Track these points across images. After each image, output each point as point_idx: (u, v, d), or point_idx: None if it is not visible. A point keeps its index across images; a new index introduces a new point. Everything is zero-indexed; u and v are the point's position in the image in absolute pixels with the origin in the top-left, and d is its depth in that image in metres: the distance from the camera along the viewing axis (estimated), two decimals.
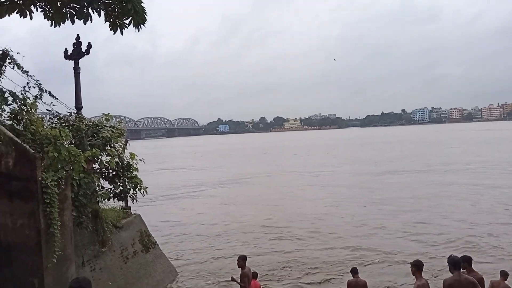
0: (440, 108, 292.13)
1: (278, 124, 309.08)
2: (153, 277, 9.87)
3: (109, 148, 9.71)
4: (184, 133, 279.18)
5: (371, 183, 29.17)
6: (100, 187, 9.68)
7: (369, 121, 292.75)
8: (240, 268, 8.12)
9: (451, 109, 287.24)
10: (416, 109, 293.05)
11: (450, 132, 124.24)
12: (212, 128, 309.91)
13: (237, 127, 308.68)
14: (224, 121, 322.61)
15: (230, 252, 13.44)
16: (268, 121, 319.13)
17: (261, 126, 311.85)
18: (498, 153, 46.30)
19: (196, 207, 23.05)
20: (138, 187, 10.14)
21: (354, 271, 8.27)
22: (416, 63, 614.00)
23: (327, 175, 35.43)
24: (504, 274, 8.03)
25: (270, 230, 16.91)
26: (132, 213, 10.91)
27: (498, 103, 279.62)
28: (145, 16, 6.03)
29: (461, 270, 6.70)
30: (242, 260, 8.12)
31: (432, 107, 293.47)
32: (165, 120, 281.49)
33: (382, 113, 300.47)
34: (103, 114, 10.70)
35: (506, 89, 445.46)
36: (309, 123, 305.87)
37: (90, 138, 9.44)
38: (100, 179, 9.65)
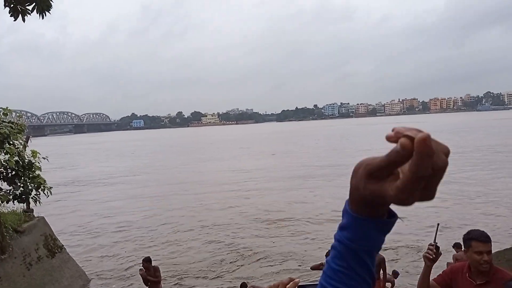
0: (348, 103, 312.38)
1: (196, 119, 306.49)
2: (60, 283, 9.29)
3: (8, 146, 8.93)
4: (94, 129, 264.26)
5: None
6: None
7: (284, 116, 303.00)
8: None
9: (357, 104, 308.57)
10: (327, 104, 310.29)
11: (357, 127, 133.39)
12: (126, 123, 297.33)
13: (152, 122, 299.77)
14: (138, 116, 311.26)
15: (143, 254, 13.02)
16: (186, 116, 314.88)
17: (178, 121, 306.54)
18: None
19: (109, 209, 22.00)
20: (42, 187, 9.47)
21: None
22: (330, 60, 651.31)
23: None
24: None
25: (202, 230, 16.75)
26: (35, 215, 10.13)
27: (399, 99, 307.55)
28: (51, 1, 5.62)
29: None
30: (146, 262, 8.18)
31: (341, 103, 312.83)
32: (73, 115, 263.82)
33: (296, 108, 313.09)
34: (0, 108, 9.81)
35: (407, 86, 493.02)
36: (227, 118, 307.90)
37: None
38: None
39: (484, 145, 42.96)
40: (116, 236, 15.77)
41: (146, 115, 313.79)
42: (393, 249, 12.42)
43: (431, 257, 2.75)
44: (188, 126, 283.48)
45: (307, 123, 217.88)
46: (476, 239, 2.87)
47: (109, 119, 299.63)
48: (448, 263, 7.13)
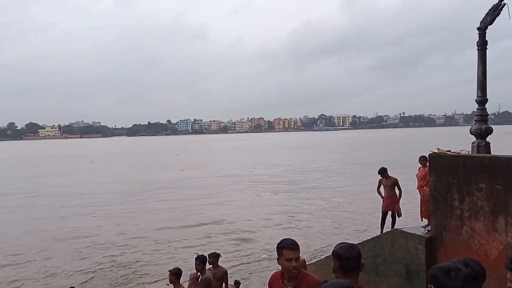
0: (202, 120, 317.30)
1: (32, 131, 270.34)
2: None
3: None
4: None
5: None
6: None
7: (135, 130, 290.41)
8: None
9: (210, 121, 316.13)
10: (180, 120, 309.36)
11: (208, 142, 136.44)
12: None
13: None
14: None
15: None
16: (19, 128, 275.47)
17: (9, 133, 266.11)
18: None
19: None
20: None
21: None
22: (184, 76, 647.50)
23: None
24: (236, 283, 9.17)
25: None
26: None
27: (248, 118, 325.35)
28: None
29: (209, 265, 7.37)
30: None
31: (195, 119, 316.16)
32: None
33: (149, 122, 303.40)
34: None
35: (255, 106, 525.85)
36: (69, 131, 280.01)
37: None
38: None
39: (329, 159, 48.50)
40: None
41: None
42: (240, 263, 12.78)
43: None
44: (21, 139, 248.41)
45: (160, 138, 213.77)
46: (286, 247, 3.03)
47: None
48: None
